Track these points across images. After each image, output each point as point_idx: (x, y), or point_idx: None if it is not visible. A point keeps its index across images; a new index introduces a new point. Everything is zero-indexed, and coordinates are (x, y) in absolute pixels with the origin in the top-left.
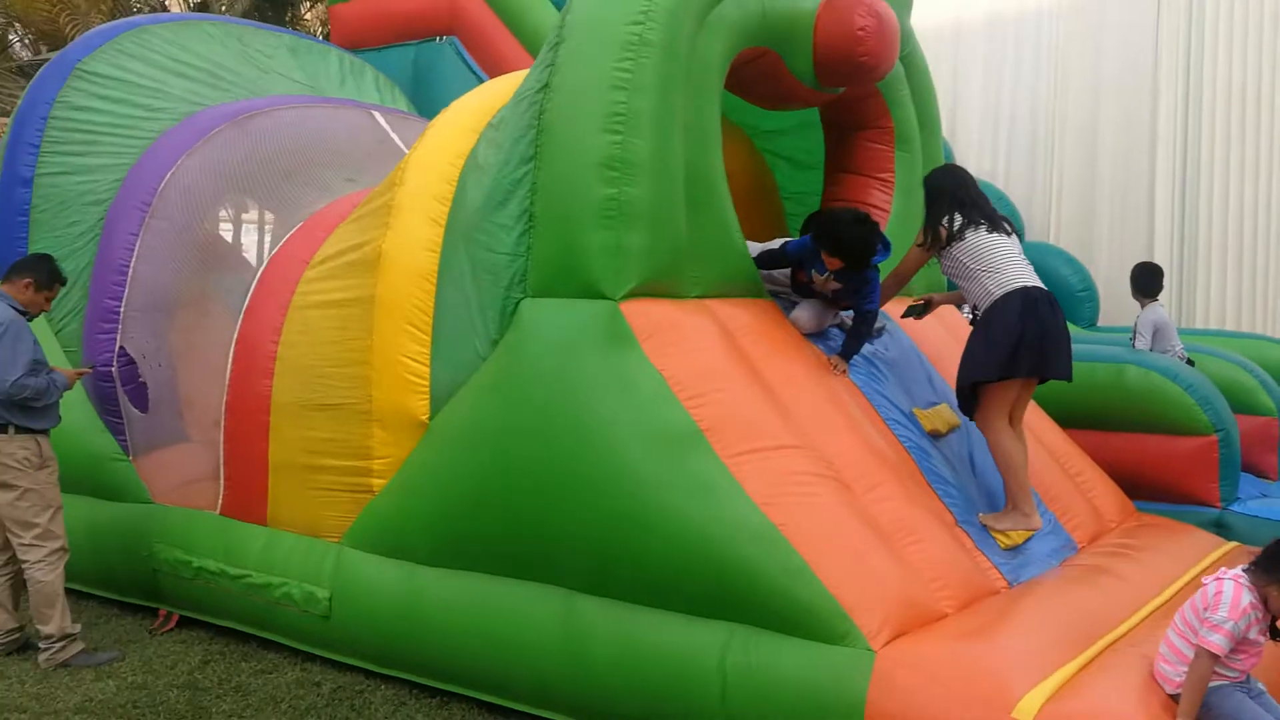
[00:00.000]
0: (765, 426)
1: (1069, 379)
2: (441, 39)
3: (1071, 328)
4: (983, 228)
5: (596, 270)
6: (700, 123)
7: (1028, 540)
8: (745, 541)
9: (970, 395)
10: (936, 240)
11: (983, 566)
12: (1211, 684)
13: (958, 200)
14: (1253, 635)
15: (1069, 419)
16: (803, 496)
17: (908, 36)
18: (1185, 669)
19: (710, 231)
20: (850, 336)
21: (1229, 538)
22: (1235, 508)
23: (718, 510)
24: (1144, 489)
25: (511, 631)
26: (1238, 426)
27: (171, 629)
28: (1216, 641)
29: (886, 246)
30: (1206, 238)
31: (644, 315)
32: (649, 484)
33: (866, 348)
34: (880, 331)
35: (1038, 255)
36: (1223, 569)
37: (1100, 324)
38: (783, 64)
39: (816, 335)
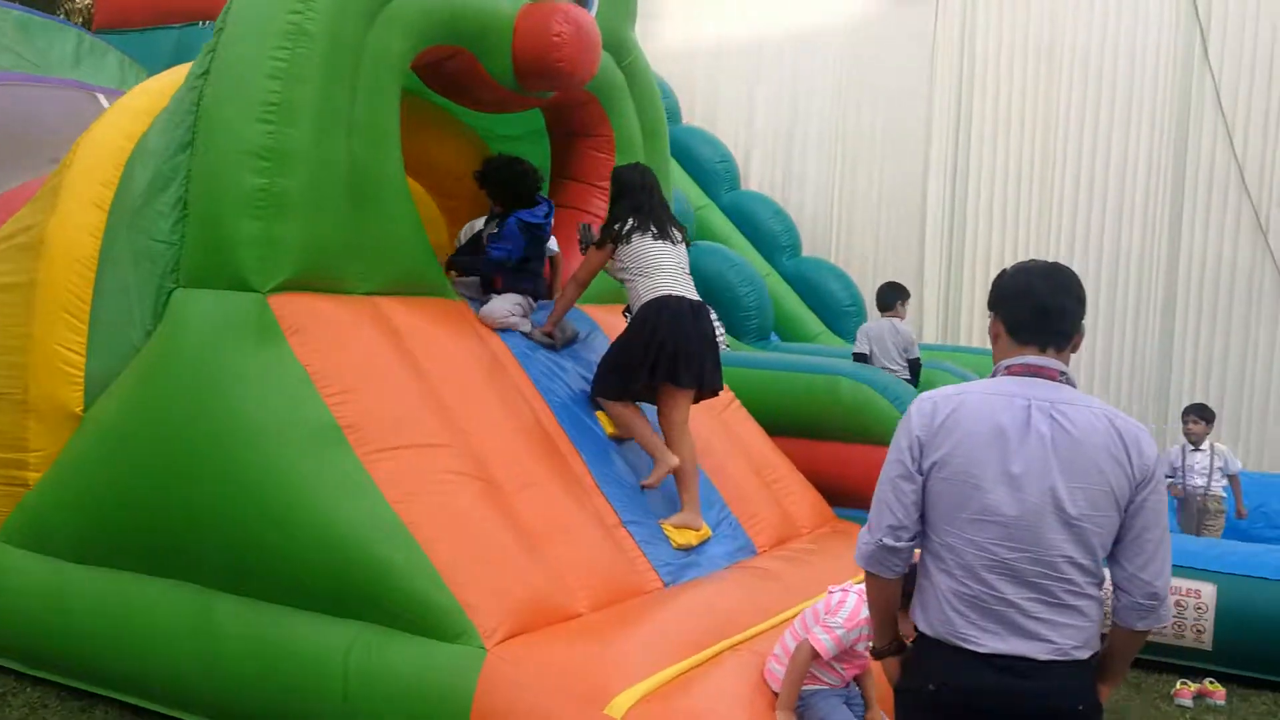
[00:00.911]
0: (411, 425)
1: (703, 390)
2: (204, 23)
3: (837, 341)
4: (649, 234)
5: (245, 262)
6: (374, 118)
7: (704, 543)
8: (373, 540)
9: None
10: (608, 240)
11: (639, 568)
12: (814, 687)
13: (635, 203)
14: (860, 648)
15: (785, 427)
16: (439, 495)
17: (629, 46)
18: None
19: (383, 228)
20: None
21: None
22: None
23: (348, 508)
24: (854, 497)
25: (150, 631)
26: None
27: None
28: (823, 641)
29: (551, 206)
30: (971, 259)
31: (294, 309)
32: (284, 481)
33: (565, 354)
34: (575, 336)
35: (810, 270)
36: (849, 581)
37: None
38: (479, 65)
39: (520, 334)
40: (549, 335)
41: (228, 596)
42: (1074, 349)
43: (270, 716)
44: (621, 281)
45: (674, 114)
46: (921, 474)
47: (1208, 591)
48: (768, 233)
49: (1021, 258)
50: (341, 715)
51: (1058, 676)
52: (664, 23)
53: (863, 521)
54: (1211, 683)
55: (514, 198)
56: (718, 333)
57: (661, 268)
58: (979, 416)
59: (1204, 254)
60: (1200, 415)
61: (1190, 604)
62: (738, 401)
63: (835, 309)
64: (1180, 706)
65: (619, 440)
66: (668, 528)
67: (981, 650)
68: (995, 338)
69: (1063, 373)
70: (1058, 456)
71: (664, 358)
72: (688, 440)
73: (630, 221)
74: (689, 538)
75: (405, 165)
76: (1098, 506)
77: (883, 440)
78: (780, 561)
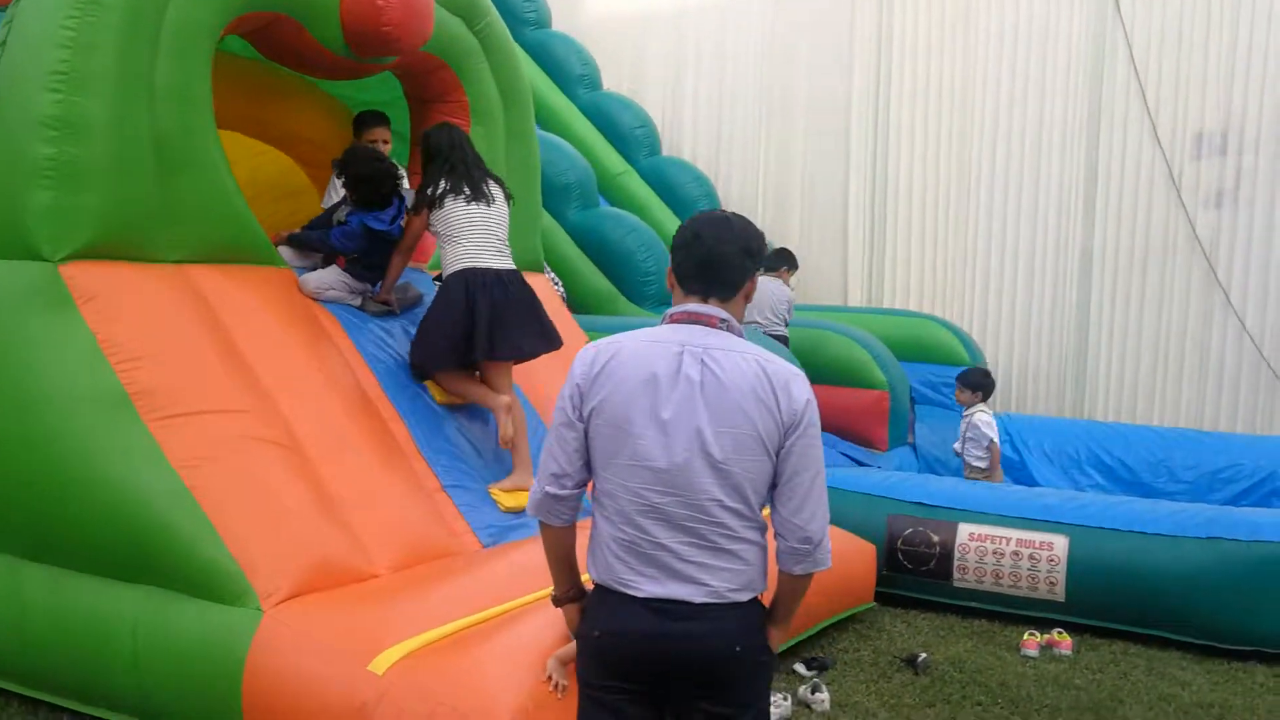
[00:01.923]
0: (209, 391)
1: (527, 357)
2: None
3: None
4: (462, 196)
5: (35, 231)
6: (182, 85)
7: None
8: (157, 506)
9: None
10: (422, 205)
11: (456, 530)
12: None
13: (449, 164)
14: None
15: None
16: (233, 460)
17: (481, 11)
18: None
19: (195, 196)
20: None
21: None
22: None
23: (133, 475)
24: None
25: None
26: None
27: None
28: None
29: (401, 207)
30: (894, 222)
31: (89, 278)
32: (73, 448)
33: (401, 322)
34: (419, 300)
35: None
36: None
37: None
38: (306, 31)
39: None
40: (385, 303)
41: (34, 565)
42: (747, 298)
43: (71, 682)
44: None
45: (594, 81)
46: (582, 421)
47: (1060, 544)
48: (686, 197)
49: (943, 222)
50: (132, 679)
51: (714, 619)
52: None
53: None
54: (1060, 633)
55: (367, 196)
56: (557, 292)
57: (470, 234)
58: (634, 363)
59: (1119, 212)
60: (964, 383)
61: (1043, 556)
62: None
63: None
64: (1025, 657)
65: (452, 407)
66: (495, 491)
67: (639, 595)
68: (671, 287)
69: (723, 320)
70: (705, 401)
71: (477, 335)
72: (512, 400)
73: (442, 184)
74: (520, 500)
75: (270, 136)
76: (744, 450)
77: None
78: None
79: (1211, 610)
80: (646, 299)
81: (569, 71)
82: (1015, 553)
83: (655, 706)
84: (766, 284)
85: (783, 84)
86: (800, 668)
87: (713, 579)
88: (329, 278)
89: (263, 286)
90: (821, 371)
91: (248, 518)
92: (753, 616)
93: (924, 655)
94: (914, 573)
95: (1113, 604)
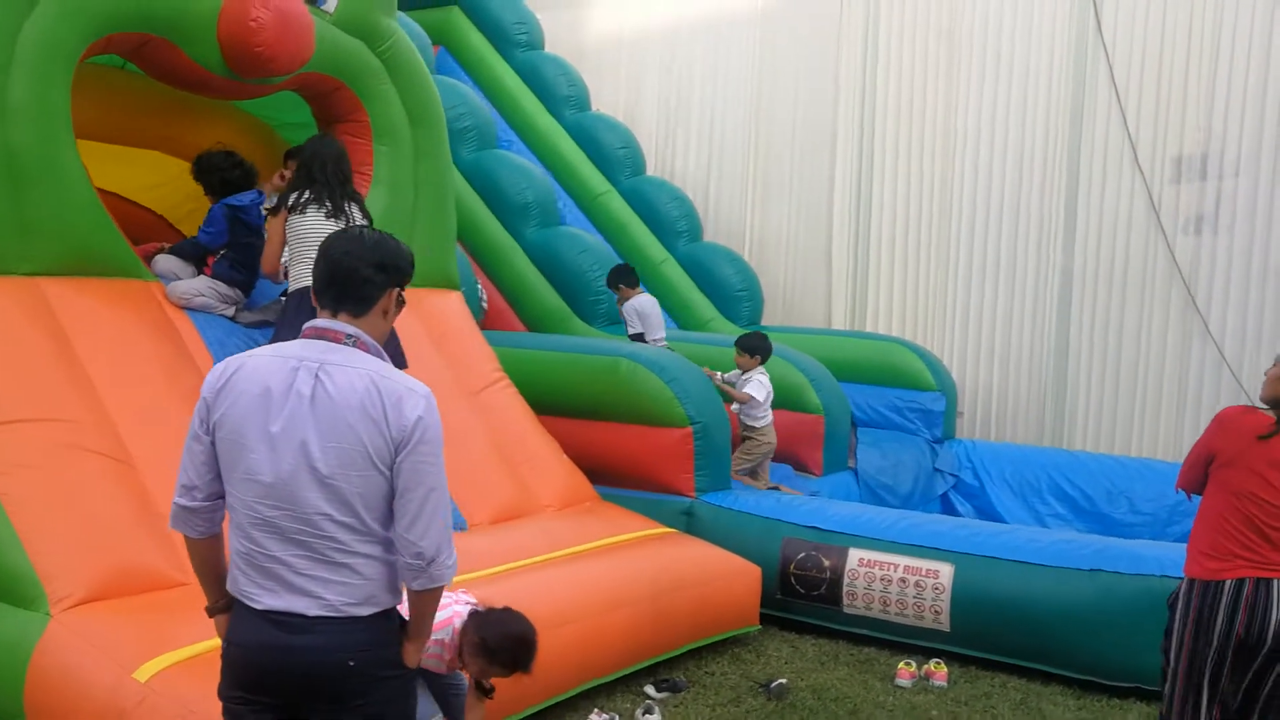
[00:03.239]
0: (36, 400)
1: None
2: None
3: (729, 326)
4: (323, 210)
5: None
6: (37, 101)
7: None
8: None
9: None
10: (281, 207)
11: None
12: None
13: (311, 176)
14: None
15: (571, 409)
16: (48, 469)
17: (384, 33)
18: None
19: (49, 209)
20: None
21: (697, 526)
22: (705, 497)
23: None
24: (630, 477)
25: None
26: (730, 421)
27: None
28: None
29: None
30: (878, 243)
31: None
32: None
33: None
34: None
35: (705, 255)
36: (463, 590)
37: (768, 323)
38: (180, 51)
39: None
40: (264, 313)
41: None
42: (385, 314)
43: None
44: None
45: (582, 101)
46: (209, 434)
47: (946, 572)
48: (665, 218)
49: (925, 247)
50: None
51: (328, 633)
52: (589, 11)
53: (624, 501)
54: (937, 664)
55: (220, 185)
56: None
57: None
58: (253, 378)
59: (1099, 232)
60: (742, 346)
61: (929, 584)
62: (506, 381)
63: (727, 293)
64: (897, 687)
65: None
66: None
67: (258, 607)
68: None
69: (350, 335)
70: (314, 416)
71: None
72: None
73: (306, 193)
74: None
75: (191, 156)
76: (351, 465)
77: (656, 420)
78: (476, 537)
79: (1092, 644)
80: (598, 318)
81: (556, 92)
82: (902, 579)
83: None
84: (648, 300)
85: (771, 108)
86: (650, 689)
87: (327, 592)
88: (197, 285)
89: (119, 299)
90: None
91: (54, 525)
92: (376, 631)
93: (780, 682)
94: (806, 598)
95: (996, 635)
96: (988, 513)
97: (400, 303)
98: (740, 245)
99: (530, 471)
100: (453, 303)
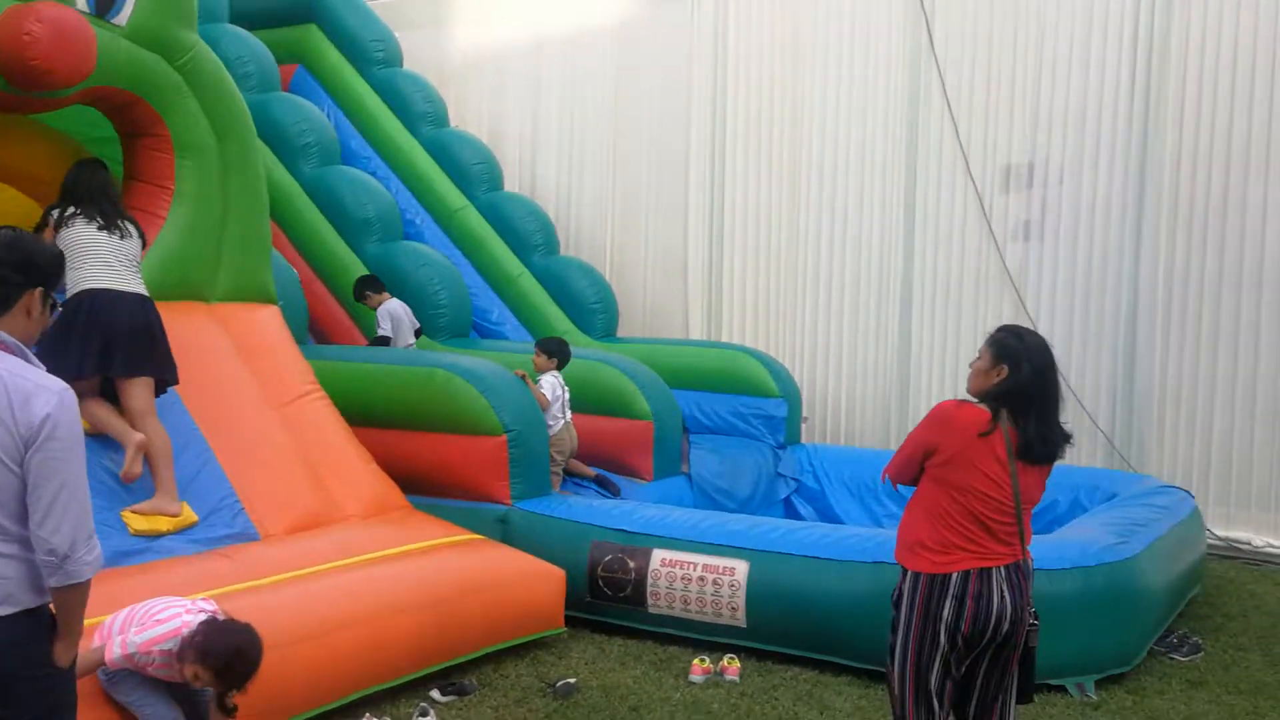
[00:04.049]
0: None
1: (134, 375)
2: None
3: (584, 339)
4: (94, 224)
5: None
6: None
7: (187, 529)
8: None
9: None
10: (46, 223)
11: None
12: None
13: (75, 195)
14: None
15: (389, 420)
16: None
17: (183, 46)
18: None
19: None
20: None
21: (512, 533)
22: (520, 504)
23: None
24: (448, 487)
25: None
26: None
27: None
28: (114, 652)
29: None
30: (730, 254)
31: None
32: None
33: None
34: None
35: (560, 269)
36: (203, 599)
37: (627, 334)
38: None
39: None
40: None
41: None
42: (29, 314)
43: None
44: None
45: (440, 118)
46: None
47: (741, 569)
48: (521, 232)
49: (776, 255)
50: None
51: None
52: (453, 29)
53: (440, 509)
54: (730, 659)
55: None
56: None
57: (98, 256)
58: None
59: (936, 241)
60: (541, 349)
61: (726, 581)
62: (319, 394)
63: (581, 306)
64: (691, 683)
65: (95, 436)
66: (128, 515)
67: None
68: None
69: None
70: None
71: (90, 352)
72: (152, 427)
73: (71, 208)
74: (157, 524)
75: (5, 176)
76: None
77: (471, 429)
78: (266, 547)
79: (875, 634)
80: (439, 330)
81: (413, 109)
82: (701, 578)
83: None
84: (398, 305)
85: (628, 123)
86: (435, 693)
87: None
88: None
89: None
90: (592, 402)
91: None
92: (17, 630)
93: (567, 681)
94: (613, 600)
95: (788, 629)
96: (827, 515)
97: (49, 304)
98: (601, 259)
99: (336, 482)
100: (267, 316)
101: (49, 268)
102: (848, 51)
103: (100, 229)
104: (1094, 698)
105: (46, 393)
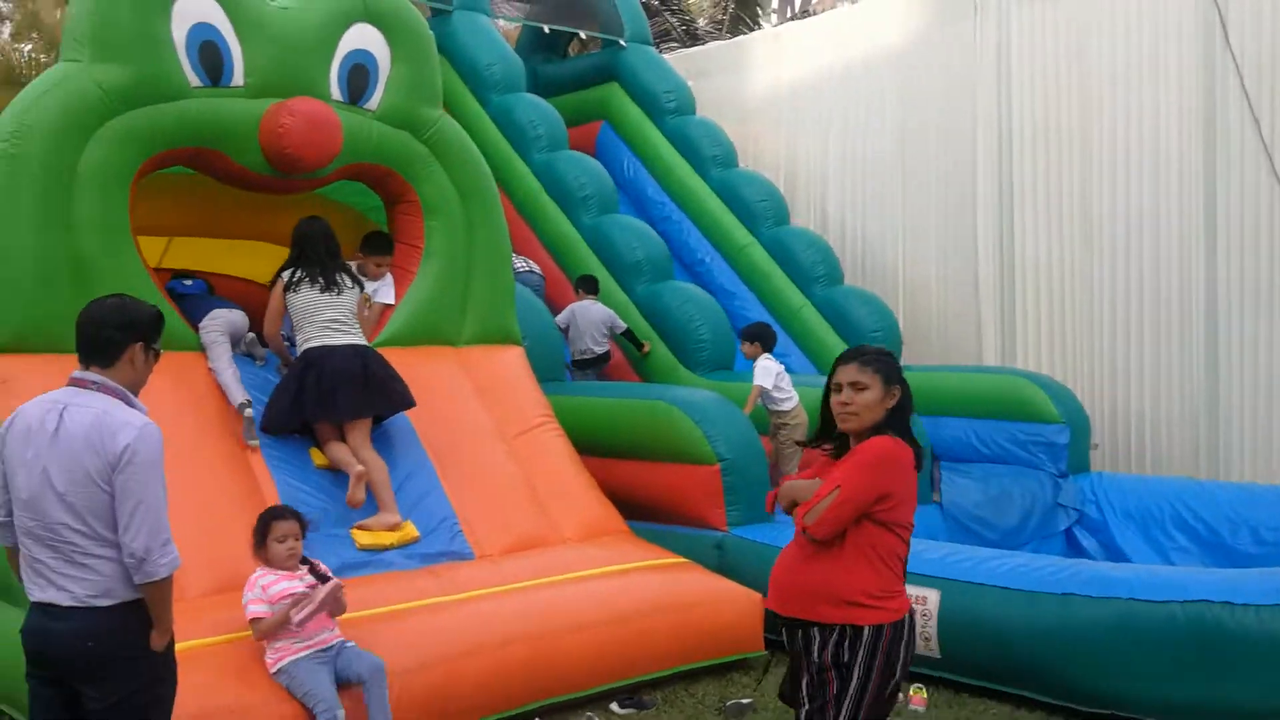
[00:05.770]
0: None
1: (350, 419)
2: None
3: None
4: (316, 286)
5: None
6: (102, 216)
7: (409, 544)
8: None
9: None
10: (276, 281)
11: None
12: (292, 658)
13: (304, 255)
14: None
15: (615, 450)
16: None
17: (428, 123)
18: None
19: None
20: None
21: (728, 559)
22: (735, 531)
23: None
24: (669, 514)
25: None
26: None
27: None
28: (247, 609)
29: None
30: (1023, 278)
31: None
32: None
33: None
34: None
35: (841, 299)
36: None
37: (913, 362)
38: (228, 158)
39: None
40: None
41: None
42: (132, 363)
43: None
44: None
45: (728, 159)
46: (2, 464)
47: (933, 598)
48: (803, 264)
49: (1069, 273)
50: None
51: (76, 620)
52: (749, 73)
53: (658, 535)
54: (918, 689)
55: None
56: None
57: (318, 318)
58: (23, 418)
59: (1241, 246)
60: (744, 336)
61: (918, 610)
62: (552, 424)
63: (863, 334)
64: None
65: (331, 470)
66: (356, 531)
67: (34, 599)
68: None
69: (95, 382)
70: (55, 446)
71: (308, 401)
72: (368, 457)
73: (296, 272)
74: (380, 538)
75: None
76: (80, 484)
77: (687, 459)
78: (474, 567)
79: (1062, 668)
80: (701, 365)
81: (702, 153)
82: None
83: (60, 689)
84: (589, 309)
85: (914, 148)
86: (615, 705)
87: (75, 587)
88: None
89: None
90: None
91: None
92: (116, 619)
93: (740, 701)
94: None
95: (979, 660)
96: (1111, 548)
97: (151, 354)
98: (892, 286)
99: (558, 506)
100: (510, 357)
101: (147, 325)
102: (1136, 51)
103: (322, 290)
104: None
105: (129, 427)
